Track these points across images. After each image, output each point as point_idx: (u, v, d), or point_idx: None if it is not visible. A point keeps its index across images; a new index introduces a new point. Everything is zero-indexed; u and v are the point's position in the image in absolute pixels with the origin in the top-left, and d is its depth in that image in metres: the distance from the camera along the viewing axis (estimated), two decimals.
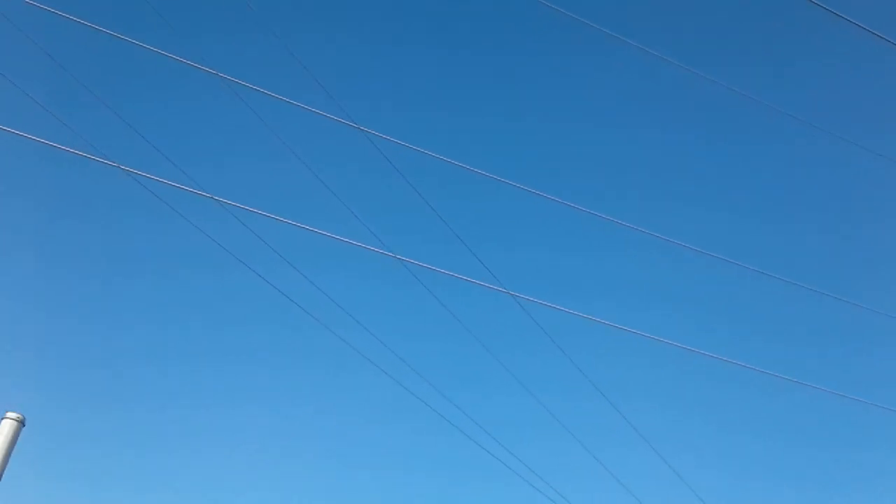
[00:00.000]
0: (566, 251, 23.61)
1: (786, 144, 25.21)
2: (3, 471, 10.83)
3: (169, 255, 21.04)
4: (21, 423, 10.59)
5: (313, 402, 20.40)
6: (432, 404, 11.82)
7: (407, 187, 11.79)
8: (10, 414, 10.61)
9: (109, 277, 20.23)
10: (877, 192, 24.02)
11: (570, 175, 23.69)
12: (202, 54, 10.06)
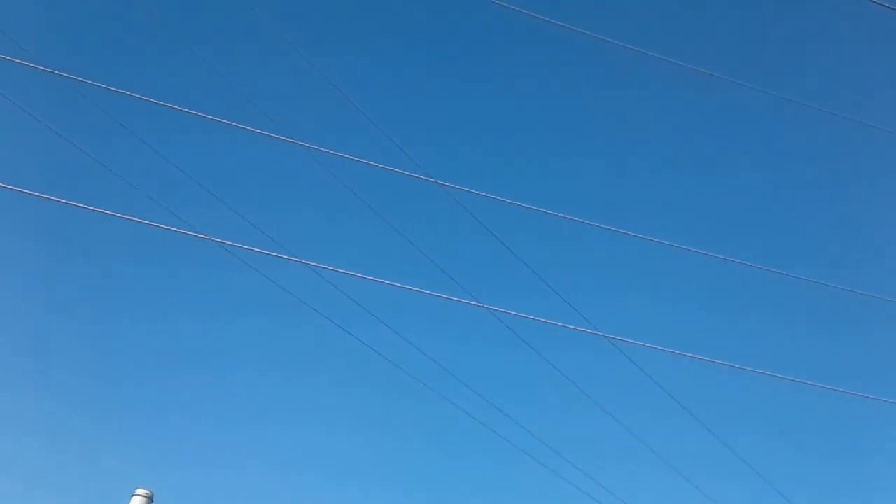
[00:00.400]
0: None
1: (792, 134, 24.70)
2: None
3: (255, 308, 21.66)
4: (150, 499, 11.18)
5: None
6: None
7: (498, 243, 12.10)
8: (139, 490, 11.22)
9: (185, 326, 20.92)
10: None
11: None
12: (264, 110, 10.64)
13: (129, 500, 11.23)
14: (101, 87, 9.37)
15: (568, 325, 10.21)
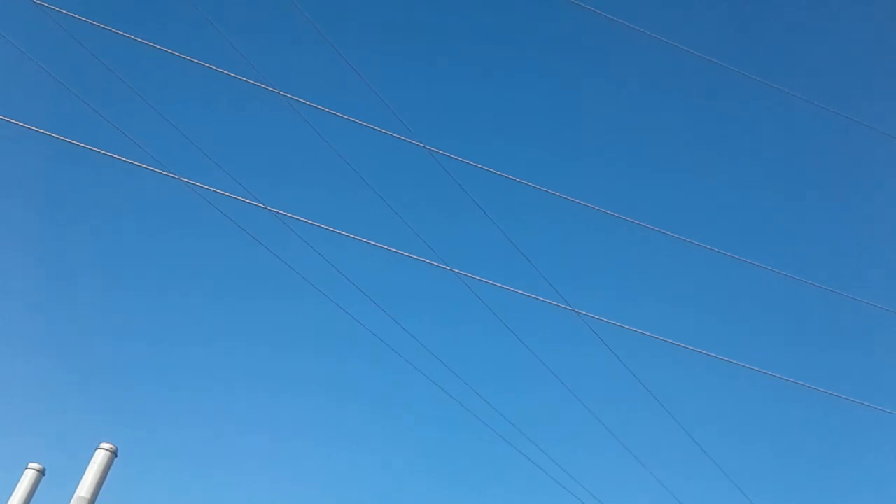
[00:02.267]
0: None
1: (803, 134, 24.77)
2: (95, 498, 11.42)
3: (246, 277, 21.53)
4: (114, 453, 11.18)
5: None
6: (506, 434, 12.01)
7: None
8: (104, 445, 11.21)
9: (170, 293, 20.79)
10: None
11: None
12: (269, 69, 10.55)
13: (95, 454, 11.23)
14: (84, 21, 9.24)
15: (540, 297, 10.23)
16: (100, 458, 11.10)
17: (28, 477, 14.07)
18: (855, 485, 20.74)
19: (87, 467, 10.88)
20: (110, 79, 10.83)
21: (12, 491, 14.06)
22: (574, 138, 25.22)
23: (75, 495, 10.78)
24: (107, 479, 11.22)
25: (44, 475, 14.12)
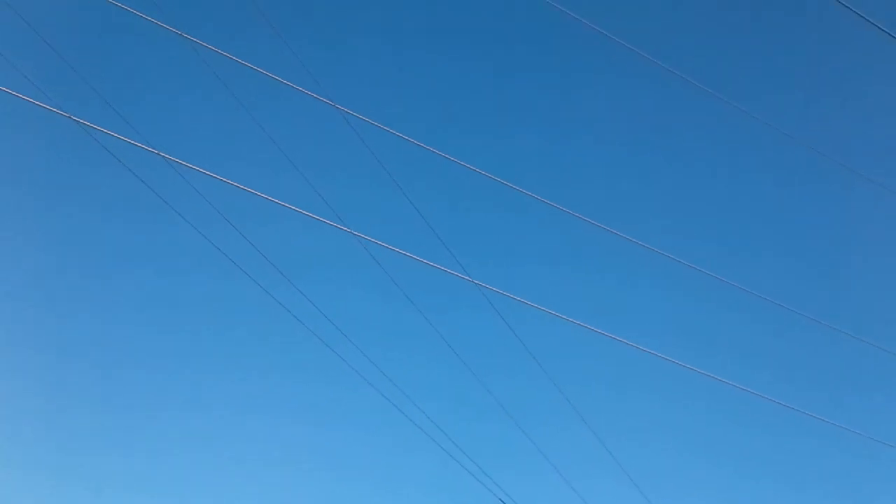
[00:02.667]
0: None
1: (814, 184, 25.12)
2: None
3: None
4: None
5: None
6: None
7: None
8: None
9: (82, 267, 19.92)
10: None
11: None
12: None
13: None
14: None
15: (435, 263, 10.05)
16: None
17: None
18: (742, 473, 21.25)
19: None
20: None
21: None
22: (491, 110, 25.01)
23: None
24: None
25: None
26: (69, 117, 7.87)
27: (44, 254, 18.88)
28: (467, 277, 10.25)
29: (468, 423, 19.18)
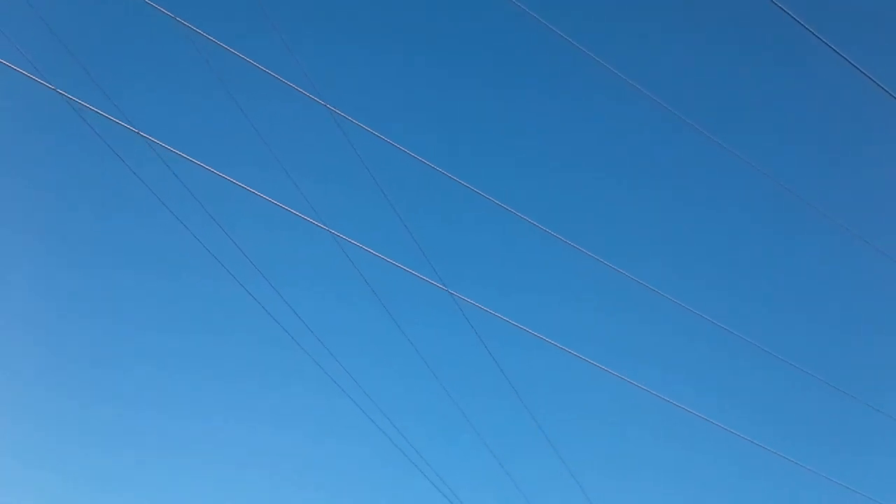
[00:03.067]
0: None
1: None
2: None
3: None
4: None
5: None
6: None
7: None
8: None
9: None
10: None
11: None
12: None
13: None
14: None
15: (415, 272, 10.02)
16: None
17: None
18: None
19: None
20: None
21: None
22: (476, 126, 25.09)
23: None
24: None
25: None
26: (54, 90, 7.85)
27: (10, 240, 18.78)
28: (441, 286, 10.24)
29: (430, 430, 19.13)
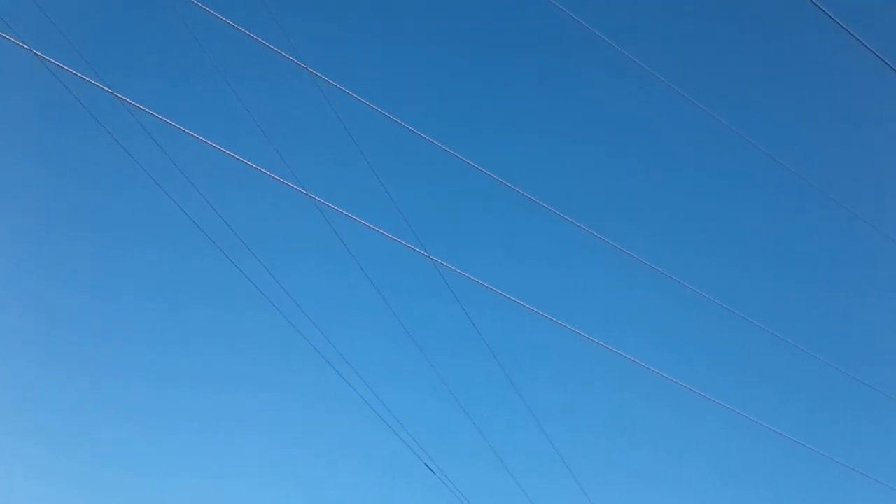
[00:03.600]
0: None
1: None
2: None
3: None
4: None
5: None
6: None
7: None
8: None
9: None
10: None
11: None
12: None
13: None
14: None
15: (395, 237, 9.99)
16: None
17: None
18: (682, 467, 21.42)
19: None
20: None
21: None
22: (465, 96, 24.94)
23: None
24: None
25: None
26: (29, 49, 7.71)
27: None
28: (423, 252, 10.22)
29: (405, 392, 19.16)
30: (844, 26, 7.62)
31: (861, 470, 17.06)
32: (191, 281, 19.73)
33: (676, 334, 22.57)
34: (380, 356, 19.71)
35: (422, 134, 11.10)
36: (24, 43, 8.13)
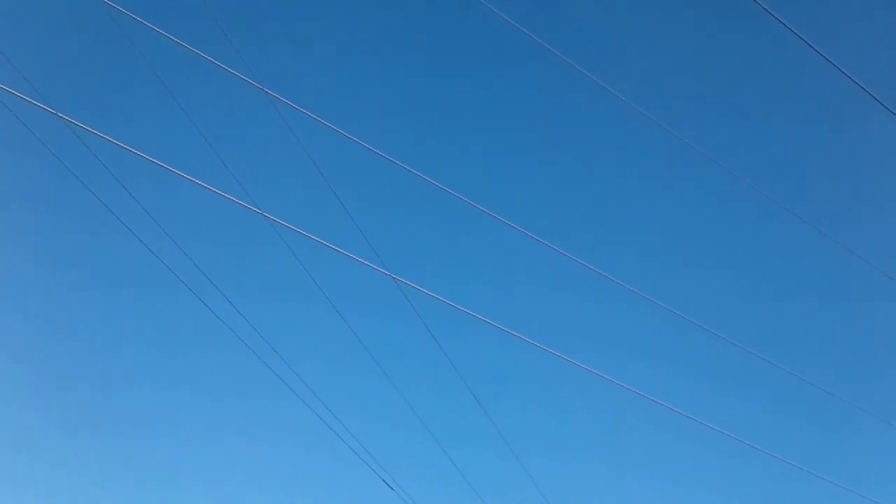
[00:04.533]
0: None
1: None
2: None
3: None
4: None
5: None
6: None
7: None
8: None
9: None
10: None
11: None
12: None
13: None
14: None
15: (359, 258, 9.84)
16: None
17: None
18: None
19: None
20: None
21: None
22: (428, 114, 24.92)
23: None
24: None
25: None
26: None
27: None
28: (384, 272, 10.07)
29: (375, 422, 18.92)
30: (778, 15, 7.65)
31: (847, 486, 17.07)
32: (155, 323, 19.42)
33: (652, 352, 22.56)
34: (345, 382, 19.51)
35: (394, 159, 10.99)
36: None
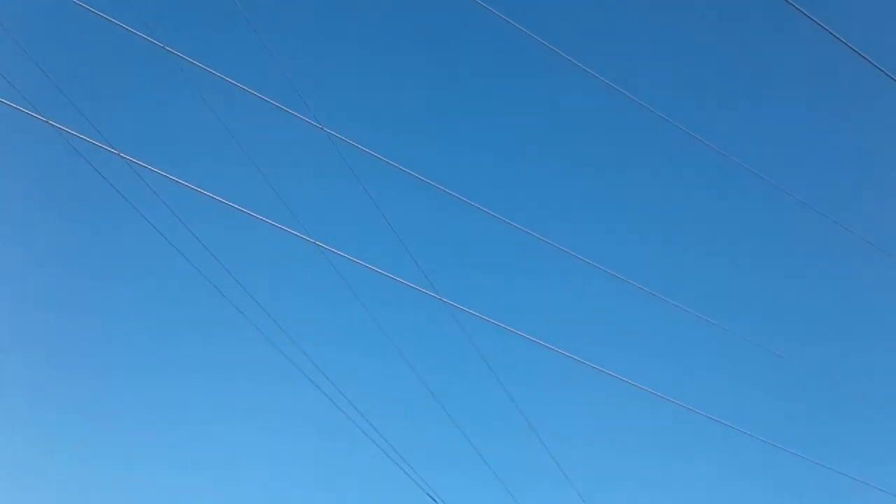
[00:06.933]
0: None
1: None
2: None
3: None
4: None
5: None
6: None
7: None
8: None
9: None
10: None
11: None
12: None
13: None
14: None
15: (406, 281, 10.05)
16: None
17: None
18: None
19: None
20: None
21: None
22: (458, 130, 25.03)
23: None
24: None
25: None
26: (31, 114, 7.81)
27: None
28: (426, 290, 10.26)
29: (402, 418, 19.04)
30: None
31: (851, 474, 16.95)
32: (190, 315, 19.72)
33: (669, 346, 22.46)
34: (372, 379, 19.65)
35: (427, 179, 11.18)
36: (34, 111, 8.24)
